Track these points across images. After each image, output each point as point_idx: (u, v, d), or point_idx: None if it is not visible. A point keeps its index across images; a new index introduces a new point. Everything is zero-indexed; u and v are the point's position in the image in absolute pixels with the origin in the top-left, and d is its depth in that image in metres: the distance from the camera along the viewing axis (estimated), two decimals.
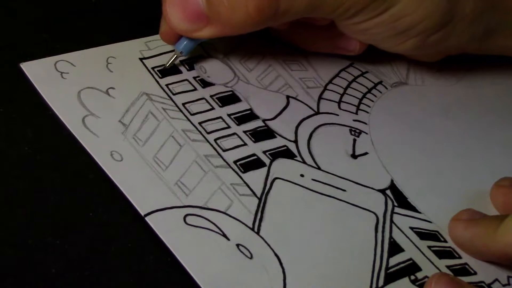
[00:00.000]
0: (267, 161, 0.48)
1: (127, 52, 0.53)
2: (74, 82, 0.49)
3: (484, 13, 0.52)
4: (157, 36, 0.53)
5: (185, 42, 0.51)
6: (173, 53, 0.52)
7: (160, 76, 0.51)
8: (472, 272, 0.46)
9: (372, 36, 0.53)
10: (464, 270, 0.46)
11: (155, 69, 0.52)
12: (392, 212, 0.48)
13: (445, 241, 0.48)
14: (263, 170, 0.48)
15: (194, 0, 0.49)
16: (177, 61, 0.52)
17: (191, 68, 0.53)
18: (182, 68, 0.52)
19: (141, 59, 0.52)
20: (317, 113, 0.53)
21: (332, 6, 0.49)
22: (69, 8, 0.55)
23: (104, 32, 0.53)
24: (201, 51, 0.54)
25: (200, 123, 0.49)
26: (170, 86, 0.51)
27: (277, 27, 0.54)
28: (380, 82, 0.57)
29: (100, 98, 0.49)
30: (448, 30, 0.52)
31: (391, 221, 0.47)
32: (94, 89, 0.49)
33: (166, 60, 0.52)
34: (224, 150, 0.48)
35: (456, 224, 0.48)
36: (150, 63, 0.52)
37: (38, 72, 0.49)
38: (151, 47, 0.53)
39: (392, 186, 0.50)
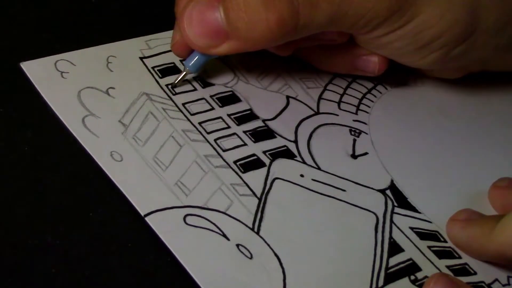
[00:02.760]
0: (267, 161, 0.48)
1: (128, 51, 0.52)
2: (74, 81, 0.49)
3: (507, 24, 0.51)
4: (157, 35, 0.54)
5: (195, 58, 0.50)
6: (182, 70, 0.51)
7: (160, 76, 0.51)
8: (472, 272, 0.46)
9: (393, 51, 0.52)
10: (464, 270, 0.46)
11: (155, 69, 0.52)
12: (392, 212, 0.48)
13: (445, 241, 0.48)
14: (263, 170, 0.48)
15: (213, 16, 0.48)
16: (186, 78, 0.51)
17: None
18: (182, 68, 0.52)
19: (141, 58, 0.52)
20: (317, 113, 0.53)
21: (353, 19, 0.48)
22: (69, 8, 0.55)
23: (104, 32, 0.53)
24: None
25: (200, 123, 0.49)
26: (169, 86, 0.51)
27: (295, 45, 0.52)
28: (380, 83, 0.56)
29: (100, 98, 0.49)
30: (471, 42, 0.51)
31: (391, 221, 0.47)
32: (94, 89, 0.49)
33: (174, 77, 0.51)
34: (224, 150, 0.48)
35: (454, 224, 0.48)
36: (150, 62, 0.52)
37: (38, 71, 0.49)
38: (152, 46, 0.53)
39: (392, 186, 0.50)
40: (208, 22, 0.48)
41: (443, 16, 0.49)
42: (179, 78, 0.51)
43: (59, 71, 0.49)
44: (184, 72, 0.51)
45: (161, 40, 0.54)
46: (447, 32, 0.50)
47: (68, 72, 0.49)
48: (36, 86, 0.48)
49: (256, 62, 0.54)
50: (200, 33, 0.48)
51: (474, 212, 0.48)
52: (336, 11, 0.47)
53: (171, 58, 0.53)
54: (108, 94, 0.49)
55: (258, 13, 0.47)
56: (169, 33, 0.54)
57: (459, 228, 0.47)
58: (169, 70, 0.52)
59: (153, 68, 0.52)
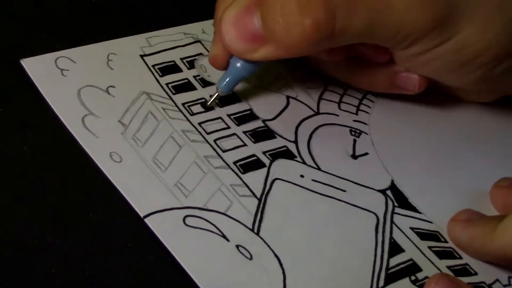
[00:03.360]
0: (267, 161, 0.48)
1: (128, 48, 0.52)
2: (75, 79, 0.49)
3: None
4: (158, 32, 0.54)
5: (227, 79, 0.50)
6: (215, 91, 0.50)
7: (161, 74, 0.51)
8: (473, 272, 0.46)
9: (432, 69, 0.50)
10: (464, 270, 0.46)
11: (156, 67, 0.52)
12: (393, 213, 0.48)
13: (446, 242, 0.48)
14: (263, 171, 0.48)
15: (250, 20, 0.47)
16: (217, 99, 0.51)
17: (191, 67, 0.52)
18: (182, 67, 0.52)
19: (141, 56, 0.52)
20: (317, 113, 0.53)
21: (391, 31, 0.47)
22: (69, 8, 0.55)
23: (104, 32, 0.53)
24: (202, 49, 0.54)
25: (199, 124, 0.49)
26: (170, 85, 0.51)
27: (332, 58, 0.51)
28: None
29: (100, 97, 0.49)
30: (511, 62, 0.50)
31: (392, 222, 0.47)
32: (94, 87, 0.49)
33: (207, 98, 0.51)
34: (223, 151, 0.48)
35: (455, 225, 0.48)
36: (151, 60, 0.52)
37: (38, 69, 0.49)
38: (152, 43, 0.53)
39: (393, 186, 0.49)
40: (245, 26, 0.47)
41: (486, 32, 0.48)
42: (211, 100, 0.50)
43: (59, 68, 0.49)
44: (217, 93, 0.50)
45: (162, 37, 0.54)
46: (487, 51, 0.49)
47: (68, 70, 0.49)
48: (36, 84, 0.48)
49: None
50: (237, 37, 0.48)
51: (475, 212, 0.48)
52: (374, 19, 0.47)
53: (172, 56, 0.53)
54: (108, 93, 0.49)
55: (294, 17, 0.46)
56: (169, 30, 0.54)
57: (460, 229, 0.47)
58: (169, 68, 0.52)
59: (153, 66, 0.52)
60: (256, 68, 0.50)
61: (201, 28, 0.55)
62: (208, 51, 0.54)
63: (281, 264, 0.43)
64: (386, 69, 0.52)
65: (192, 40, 0.54)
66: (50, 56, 0.50)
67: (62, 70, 0.49)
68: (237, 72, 0.50)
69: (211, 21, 0.55)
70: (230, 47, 0.48)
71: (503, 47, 0.49)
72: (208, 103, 0.50)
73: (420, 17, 0.47)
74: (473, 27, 0.48)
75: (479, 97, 0.55)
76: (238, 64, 0.49)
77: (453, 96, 0.55)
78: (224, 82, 0.50)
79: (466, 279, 0.46)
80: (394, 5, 0.46)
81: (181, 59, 0.53)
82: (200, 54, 0.53)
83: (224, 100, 0.51)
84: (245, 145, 0.49)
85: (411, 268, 0.46)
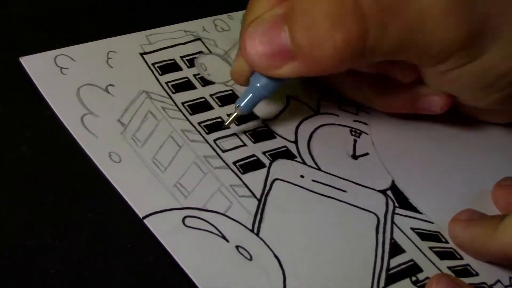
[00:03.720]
0: (266, 162, 0.48)
1: (128, 46, 0.52)
2: (74, 78, 0.49)
3: None
4: (158, 30, 0.53)
5: (247, 98, 0.48)
6: (234, 110, 0.49)
7: (160, 73, 0.51)
8: (474, 273, 0.46)
9: (457, 87, 0.50)
10: (465, 271, 0.46)
11: (155, 65, 0.51)
12: (393, 213, 0.48)
13: (447, 242, 0.47)
14: (263, 171, 0.48)
15: (277, 34, 0.45)
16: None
17: (191, 65, 0.52)
18: (182, 65, 0.52)
19: (141, 54, 0.52)
20: (318, 113, 0.52)
21: (423, 48, 0.46)
22: (68, 7, 0.54)
23: (103, 29, 0.53)
24: (202, 47, 0.54)
25: (199, 123, 0.49)
26: (169, 84, 0.51)
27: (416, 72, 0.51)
28: None
29: (99, 96, 0.48)
30: None
31: (392, 222, 0.47)
32: (94, 86, 0.49)
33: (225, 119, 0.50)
34: (223, 151, 0.48)
35: (455, 224, 0.48)
36: (151, 58, 0.52)
37: (38, 67, 0.48)
38: (152, 41, 0.53)
39: (393, 187, 0.49)
40: (271, 41, 0.46)
41: (510, 56, 0.47)
42: (230, 119, 0.49)
43: (58, 66, 0.49)
44: (236, 113, 0.49)
45: (162, 35, 0.53)
46: None
47: (67, 68, 0.49)
48: (35, 82, 0.48)
49: None
50: (262, 53, 0.46)
51: (476, 212, 0.48)
52: (406, 36, 0.45)
53: (171, 54, 0.52)
54: (108, 92, 0.49)
55: (324, 31, 0.44)
56: (170, 28, 0.54)
57: (461, 228, 0.47)
58: (169, 67, 0.52)
59: (153, 64, 0.51)
60: (278, 87, 0.48)
61: (202, 26, 0.55)
62: (208, 49, 0.53)
63: (281, 265, 0.43)
64: (409, 91, 0.51)
65: (193, 38, 0.54)
66: (49, 54, 0.49)
67: (61, 68, 0.49)
68: (257, 92, 0.48)
69: (212, 18, 0.56)
70: (253, 63, 0.47)
71: None
72: (226, 123, 0.49)
73: (452, 35, 0.46)
74: (501, 47, 0.47)
75: (497, 118, 0.55)
76: (258, 84, 0.48)
77: (471, 117, 0.55)
78: (244, 102, 0.48)
79: (467, 280, 0.45)
80: (427, 22, 0.45)
81: (181, 57, 0.52)
82: (201, 52, 0.53)
83: (224, 100, 0.51)
84: (245, 145, 0.49)
85: (412, 269, 0.45)
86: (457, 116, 0.55)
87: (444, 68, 0.48)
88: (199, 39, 0.54)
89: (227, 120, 0.49)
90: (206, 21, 0.56)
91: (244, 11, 0.49)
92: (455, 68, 0.48)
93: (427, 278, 0.45)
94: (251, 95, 0.48)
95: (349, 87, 0.53)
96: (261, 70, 0.47)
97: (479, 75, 0.48)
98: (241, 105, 0.48)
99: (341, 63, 0.46)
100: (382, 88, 0.52)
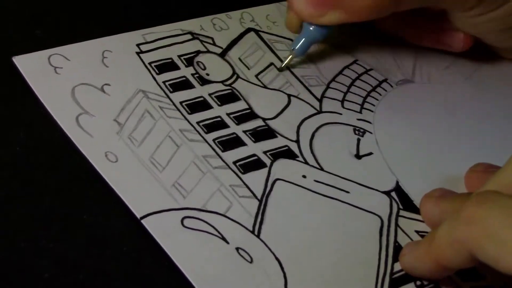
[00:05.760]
0: (267, 161, 0.48)
1: (124, 45, 0.52)
2: (68, 78, 0.48)
3: None
4: (154, 28, 0.53)
5: (301, 41, 0.53)
6: (289, 54, 0.54)
7: (157, 72, 0.50)
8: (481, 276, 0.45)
9: (481, 30, 0.55)
10: (472, 273, 0.45)
11: (152, 65, 0.51)
12: (397, 215, 0.47)
13: None
14: (264, 171, 0.47)
15: None
16: (292, 62, 0.54)
17: (189, 64, 0.52)
18: (180, 64, 0.51)
19: (137, 53, 0.51)
20: (320, 112, 0.52)
21: None
22: (63, 4, 0.54)
23: (98, 28, 0.52)
24: (200, 46, 0.53)
25: (198, 123, 0.48)
26: (167, 83, 0.50)
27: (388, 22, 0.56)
28: (385, 80, 0.56)
29: (95, 96, 0.48)
30: None
31: (396, 225, 0.47)
32: (89, 86, 0.48)
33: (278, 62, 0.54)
34: (223, 151, 0.47)
35: (427, 201, 0.47)
36: (147, 57, 0.51)
37: (31, 66, 0.48)
38: (149, 39, 0.52)
39: (398, 188, 0.49)
40: None
41: None
42: (285, 62, 0.54)
43: (52, 66, 0.49)
44: (291, 56, 0.54)
45: (159, 34, 0.53)
46: None
47: (62, 68, 0.49)
48: (29, 82, 0.47)
49: (256, 58, 0.54)
50: (307, 2, 0.51)
51: (448, 190, 0.48)
52: None
53: (169, 53, 0.52)
54: (103, 91, 0.48)
55: None
56: (167, 27, 0.54)
57: (432, 204, 0.47)
58: (166, 66, 0.51)
59: (150, 63, 0.51)
60: (329, 32, 0.53)
61: (199, 25, 0.55)
62: (206, 48, 0.53)
63: (282, 268, 0.43)
64: (435, 26, 0.57)
65: (190, 37, 0.54)
66: (43, 54, 0.49)
67: (55, 67, 0.49)
68: (310, 35, 0.53)
69: (210, 17, 0.56)
70: (300, 12, 0.52)
71: None
72: (282, 65, 0.54)
73: None
74: None
75: None
76: (311, 28, 0.53)
77: (492, 51, 0.60)
78: (299, 45, 0.54)
79: (474, 284, 0.45)
80: None
81: (179, 56, 0.52)
82: (198, 51, 0.53)
83: (223, 99, 0.50)
84: (245, 144, 0.48)
85: None
86: (464, 115, 0.55)
87: (471, 14, 0.53)
88: (197, 38, 0.54)
89: (283, 63, 0.54)
90: (204, 20, 0.55)
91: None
92: (481, 14, 0.53)
93: (432, 282, 0.44)
94: (304, 38, 0.54)
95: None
96: (306, 18, 0.52)
97: (502, 19, 0.54)
98: (296, 47, 0.54)
99: (379, 10, 0.51)
100: (413, 19, 0.57)
